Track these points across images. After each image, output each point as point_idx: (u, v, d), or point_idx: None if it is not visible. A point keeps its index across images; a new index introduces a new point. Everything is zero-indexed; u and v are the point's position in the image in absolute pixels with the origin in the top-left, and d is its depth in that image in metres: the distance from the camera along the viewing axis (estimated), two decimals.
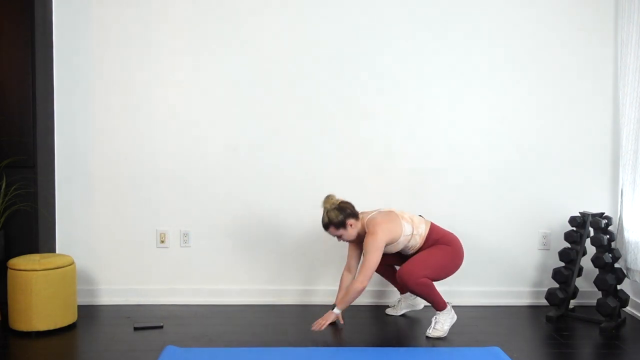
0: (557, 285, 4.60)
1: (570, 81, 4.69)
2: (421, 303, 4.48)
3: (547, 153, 4.72)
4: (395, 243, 4.06)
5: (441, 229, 4.19)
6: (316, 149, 4.67)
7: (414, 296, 4.44)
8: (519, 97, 4.69)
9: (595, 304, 4.34)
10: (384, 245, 3.99)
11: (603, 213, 4.52)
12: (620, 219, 4.55)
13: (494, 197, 4.71)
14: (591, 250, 4.51)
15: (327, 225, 4.03)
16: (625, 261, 4.45)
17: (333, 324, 4.19)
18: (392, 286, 4.60)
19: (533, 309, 4.68)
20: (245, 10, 4.60)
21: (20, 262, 4.02)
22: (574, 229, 4.52)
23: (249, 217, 4.68)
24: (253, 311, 4.52)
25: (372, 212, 4.14)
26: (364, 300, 4.65)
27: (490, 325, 4.34)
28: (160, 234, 4.68)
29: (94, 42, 4.57)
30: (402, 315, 4.47)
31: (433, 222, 4.23)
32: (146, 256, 4.67)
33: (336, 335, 4.08)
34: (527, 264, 4.77)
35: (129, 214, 4.65)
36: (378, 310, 4.56)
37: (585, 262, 4.52)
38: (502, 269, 4.76)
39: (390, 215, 4.08)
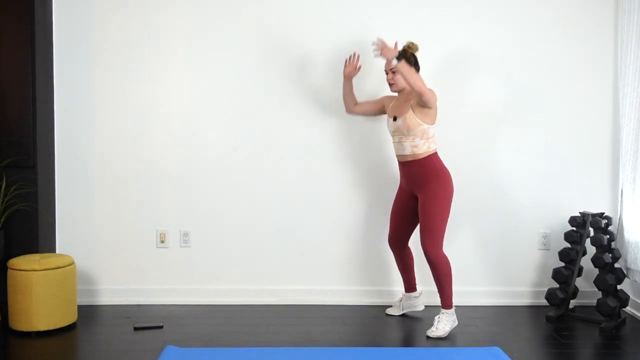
0: (557, 285, 4.60)
1: (570, 81, 4.69)
2: (421, 304, 4.48)
3: (547, 153, 4.71)
4: (424, 115, 4.05)
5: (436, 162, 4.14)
6: (317, 148, 4.67)
7: (414, 296, 4.44)
8: (519, 96, 4.69)
9: (595, 304, 4.34)
10: (434, 99, 4.03)
11: (603, 213, 4.52)
12: (620, 219, 4.55)
13: (494, 197, 4.71)
14: (591, 250, 4.51)
15: (401, 56, 3.99)
16: (625, 261, 4.44)
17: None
18: (393, 286, 4.61)
19: (533, 309, 4.68)
20: (246, 11, 4.60)
21: (20, 262, 4.03)
22: (574, 229, 4.52)
23: (249, 217, 4.68)
24: (253, 311, 4.52)
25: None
26: (364, 300, 4.66)
27: (490, 325, 4.34)
28: (160, 234, 4.68)
29: (94, 42, 4.57)
30: (403, 315, 4.47)
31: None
32: (146, 256, 4.67)
33: (336, 335, 4.09)
34: (527, 264, 4.76)
35: (129, 214, 4.65)
36: (378, 310, 4.56)
37: (585, 262, 4.51)
38: (502, 269, 4.75)
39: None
